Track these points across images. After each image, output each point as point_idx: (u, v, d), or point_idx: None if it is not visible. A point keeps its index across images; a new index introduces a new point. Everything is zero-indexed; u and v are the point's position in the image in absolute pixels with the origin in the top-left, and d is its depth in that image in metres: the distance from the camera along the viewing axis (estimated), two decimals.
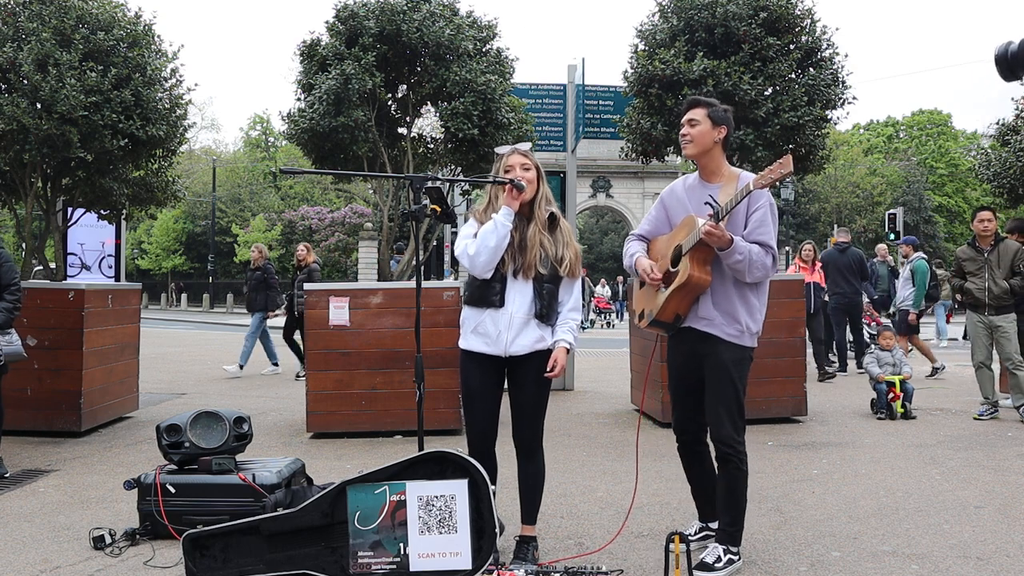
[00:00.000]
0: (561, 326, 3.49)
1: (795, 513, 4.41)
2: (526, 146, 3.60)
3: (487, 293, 3.44)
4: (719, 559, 3.45)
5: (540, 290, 3.43)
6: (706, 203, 3.42)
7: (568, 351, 3.48)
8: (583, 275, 21.07)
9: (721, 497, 3.53)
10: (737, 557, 3.49)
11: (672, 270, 3.52)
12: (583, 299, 25.70)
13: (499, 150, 3.60)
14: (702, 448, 3.74)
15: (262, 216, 40.75)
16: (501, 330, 3.42)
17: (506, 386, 3.55)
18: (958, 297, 7.75)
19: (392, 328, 6.56)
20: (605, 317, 28.13)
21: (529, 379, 3.47)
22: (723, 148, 3.58)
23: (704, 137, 3.51)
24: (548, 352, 3.45)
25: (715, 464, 3.57)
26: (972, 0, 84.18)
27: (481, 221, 3.51)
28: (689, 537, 3.55)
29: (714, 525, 3.74)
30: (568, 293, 3.54)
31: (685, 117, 3.57)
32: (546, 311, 3.44)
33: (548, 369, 3.41)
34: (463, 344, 3.52)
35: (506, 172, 3.49)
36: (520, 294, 3.43)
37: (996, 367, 7.71)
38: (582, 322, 25.40)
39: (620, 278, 30.77)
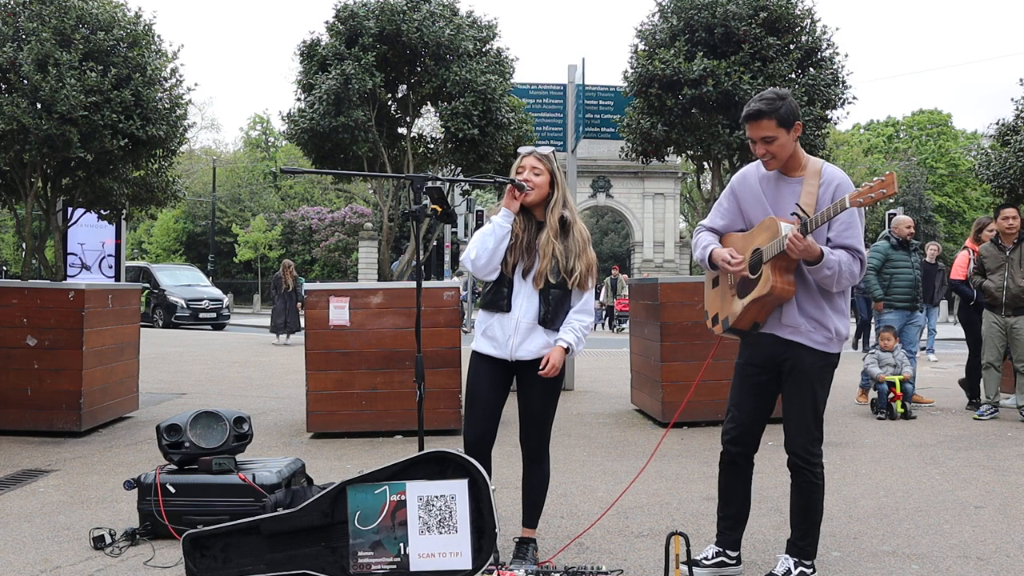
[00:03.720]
0: (565, 326, 3.43)
1: None
2: (547, 150, 3.54)
3: (496, 297, 3.44)
4: (789, 572, 3.29)
5: (546, 296, 3.40)
6: (793, 213, 3.12)
7: (567, 351, 3.41)
8: (615, 273, 20.84)
9: (794, 509, 3.32)
10: (811, 571, 3.30)
11: (751, 277, 3.24)
12: (611, 298, 25.09)
13: (520, 150, 3.57)
14: (748, 466, 3.45)
15: (262, 216, 40.73)
16: (508, 335, 3.41)
17: (514, 388, 3.54)
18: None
19: (392, 328, 6.56)
20: (621, 322, 26.43)
21: (537, 385, 3.45)
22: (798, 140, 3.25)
23: (785, 147, 3.19)
24: None
25: (790, 479, 3.33)
26: (972, 0, 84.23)
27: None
28: (704, 561, 3.44)
29: (732, 553, 3.48)
30: (578, 298, 3.49)
31: (757, 133, 3.17)
32: (551, 316, 3.40)
33: (540, 368, 3.35)
34: (473, 345, 3.53)
35: (518, 173, 3.48)
36: (527, 299, 3.41)
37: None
38: (614, 324, 24.21)
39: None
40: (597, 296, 25.09)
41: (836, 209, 2.99)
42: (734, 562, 3.50)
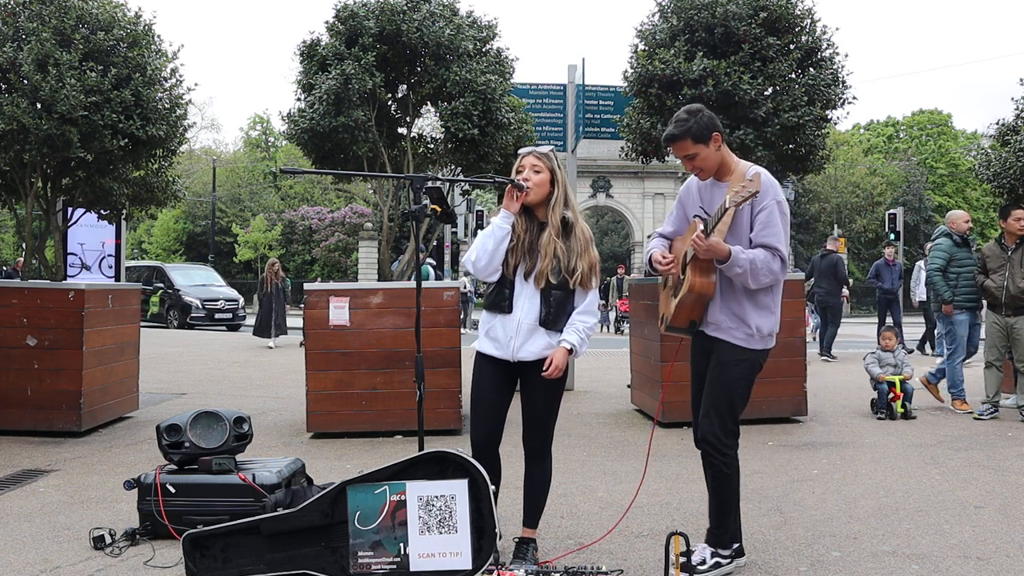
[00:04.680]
0: (568, 327, 3.43)
1: (795, 513, 4.41)
2: (546, 148, 3.55)
3: (498, 299, 3.45)
4: (704, 561, 3.40)
5: (547, 297, 3.40)
6: (695, 215, 3.36)
7: (570, 352, 3.42)
8: (621, 273, 20.95)
9: (710, 499, 3.48)
10: (727, 560, 3.42)
11: (681, 277, 3.45)
12: (616, 298, 24.85)
13: (520, 152, 3.58)
14: None
15: (262, 216, 40.73)
16: (510, 336, 3.42)
17: (518, 389, 3.56)
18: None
19: (392, 328, 6.56)
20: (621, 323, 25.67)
21: (539, 386, 3.45)
22: (725, 145, 3.43)
23: (709, 159, 3.38)
24: None
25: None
26: (972, 0, 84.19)
27: None
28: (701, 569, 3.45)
29: (734, 547, 3.57)
30: (582, 298, 3.49)
31: (679, 153, 3.41)
32: (552, 318, 3.40)
33: (544, 369, 3.37)
34: (476, 346, 3.55)
35: (518, 173, 3.48)
36: (529, 300, 3.42)
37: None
38: (619, 327, 23.99)
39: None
40: (603, 297, 24.88)
41: (722, 209, 3.17)
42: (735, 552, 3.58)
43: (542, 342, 3.41)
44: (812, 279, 13.47)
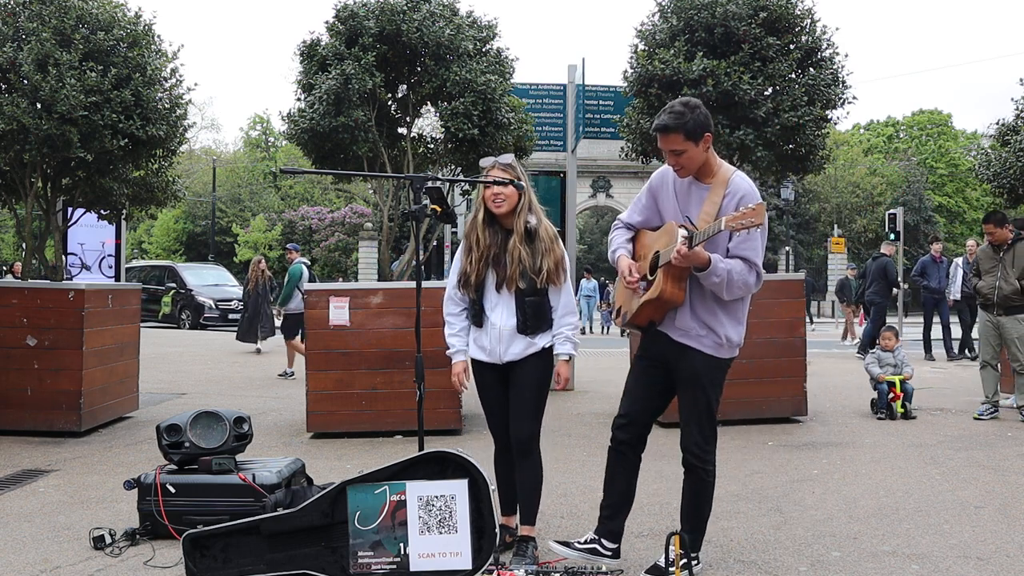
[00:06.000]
0: (558, 337, 3.59)
1: (795, 513, 4.41)
2: (508, 158, 3.62)
3: (476, 313, 3.65)
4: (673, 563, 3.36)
5: (522, 305, 3.54)
6: (681, 225, 3.23)
7: (569, 360, 3.62)
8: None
9: (685, 505, 3.43)
10: (696, 561, 3.40)
11: (649, 278, 3.36)
12: (599, 302, 25.06)
13: (482, 163, 3.64)
14: (634, 457, 3.51)
15: (262, 216, 40.73)
16: (494, 343, 3.60)
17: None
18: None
19: (392, 328, 6.56)
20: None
21: (525, 381, 3.58)
22: (712, 147, 3.32)
23: (695, 158, 3.25)
24: (541, 353, 3.59)
25: (682, 473, 3.44)
26: (972, 0, 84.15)
27: (468, 239, 3.62)
28: (576, 543, 3.49)
29: (609, 544, 3.48)
30: (557, 299, 3.61)
31: (666, 146, 3.24)
32: (530, 324, 3.54)
33: (552, 384, 3.59)
34: (471, 354, 3.72)
35: (485, 188, 3.58)
36: (506, 308, 3.57)
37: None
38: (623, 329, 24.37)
39: None
40: (603, 296, 25.32)
41: (717, 228, 3.08)
42: (610, 554, 3.48)
43: (523, 343, 3.57)
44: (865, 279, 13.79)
